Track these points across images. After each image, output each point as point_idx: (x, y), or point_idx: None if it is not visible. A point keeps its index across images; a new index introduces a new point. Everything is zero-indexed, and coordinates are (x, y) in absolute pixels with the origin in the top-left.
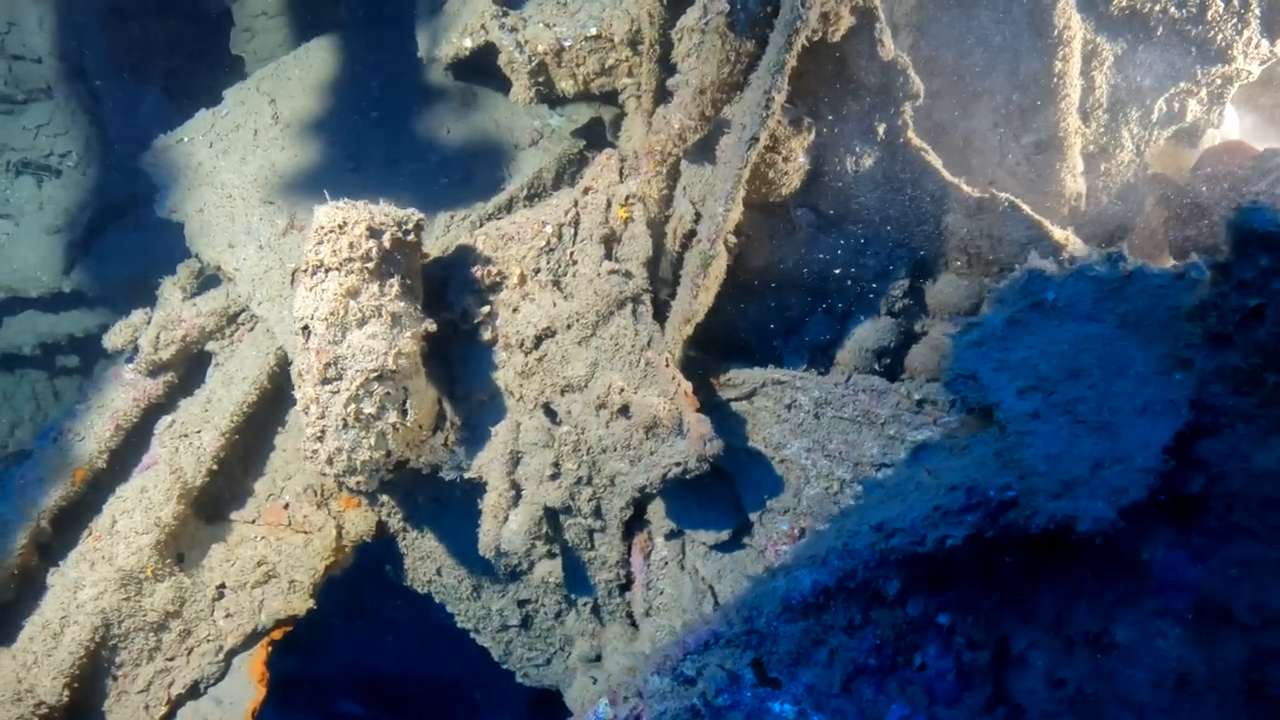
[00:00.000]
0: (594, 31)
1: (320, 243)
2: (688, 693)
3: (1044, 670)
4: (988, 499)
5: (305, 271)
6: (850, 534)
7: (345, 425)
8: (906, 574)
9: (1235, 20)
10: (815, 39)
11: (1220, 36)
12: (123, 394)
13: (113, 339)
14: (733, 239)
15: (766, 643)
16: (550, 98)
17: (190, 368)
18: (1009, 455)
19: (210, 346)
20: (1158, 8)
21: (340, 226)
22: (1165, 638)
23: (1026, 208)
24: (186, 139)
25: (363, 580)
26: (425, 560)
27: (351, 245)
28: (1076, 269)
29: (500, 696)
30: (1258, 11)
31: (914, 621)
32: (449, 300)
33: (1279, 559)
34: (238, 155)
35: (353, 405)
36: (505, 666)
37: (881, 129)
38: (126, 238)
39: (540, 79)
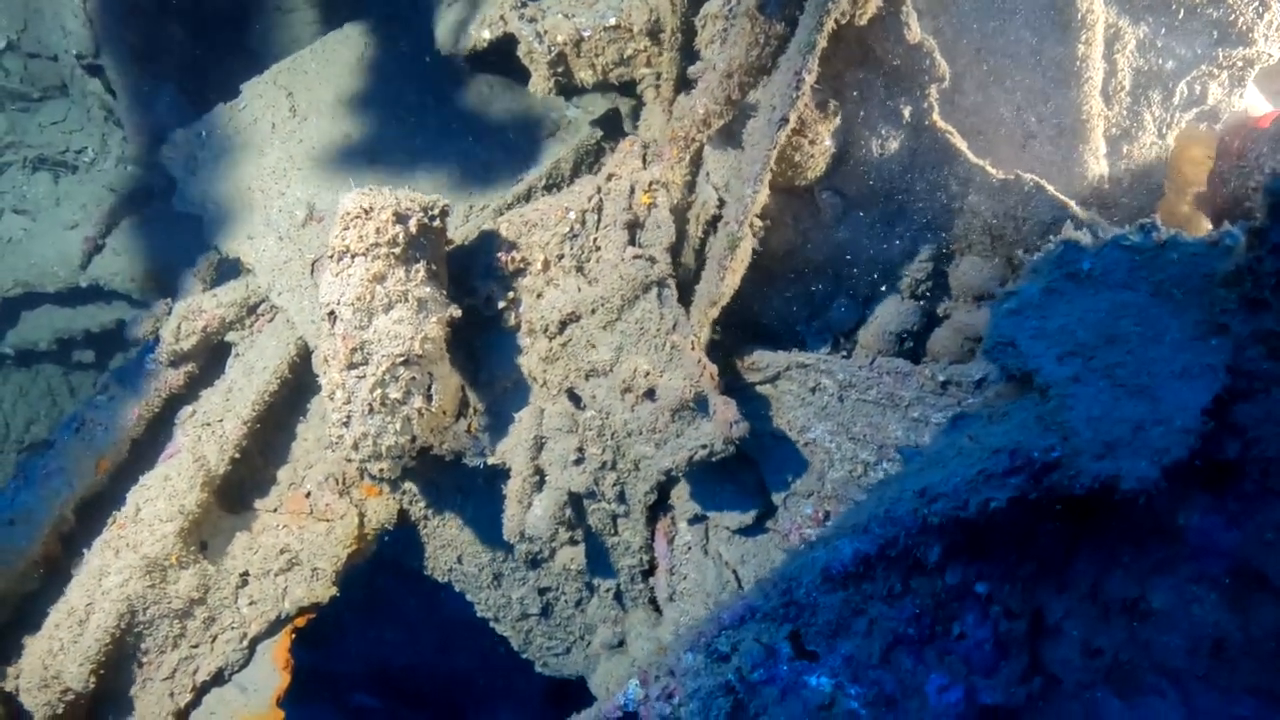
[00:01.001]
0: (613, 21)
1: (346, 228)
2: (722, 669)
3: (1080, 640)
4: (1031, 460)
5: (331, 257)
6: (892, 500)
7: (371, 410)
8: (947, 541)
9: (1257, 3)
10: (843, 21)
11: (1242, 19)
12: (144, 384)
13: (136, 330)
14: (758, 222)
15: (805, 614)
16: (569, 88)
17: (210, 358)
18: (1051, 418)
19: (230, 337)
20: None
21: (366, 212)
22: (1201, 603)
23: (1051, 189)
24: (204, 133)
25: (378, 573)
26: (446, 548)
27: (378, 230)
28: (1110, 239)
29: (515, 689)
30: None
31: (952, 590)
32: (473, 286)
33: None
34: (255, 148)
35: (379, 390)
36: (525, 656)
37: (907, 111)
38: (144, 232)
39: (559, 69)
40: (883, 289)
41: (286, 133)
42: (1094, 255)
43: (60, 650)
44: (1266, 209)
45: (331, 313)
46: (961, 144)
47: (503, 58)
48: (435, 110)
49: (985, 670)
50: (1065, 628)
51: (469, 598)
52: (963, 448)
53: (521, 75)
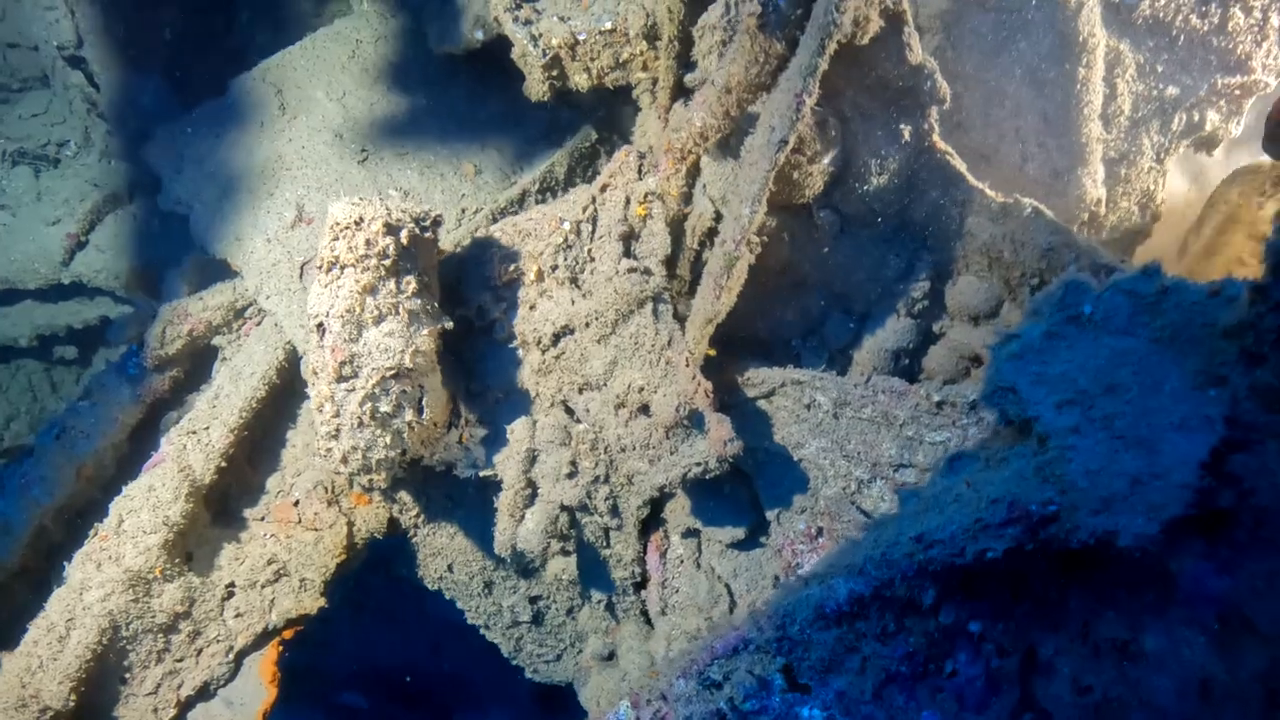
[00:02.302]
0: (609, 26)
1: (336, 239)
2: (714, 697)
3: (1070, 677)
4: (1029, 513)
5: (320, 268)
6: (889, 544)
7: (360, 424)
8: (942, 584)
9: (1255, 32)
10: (844, 42)
11: (1240, 48)
12: (127, 389)
13: (120, 334)
14: (755, 239)
15: (798, 649)
16: (563, 91)
17: (197, 363)
18: (1050, 470)
19: (217, 341)
20: (1180, 18)
21: (357, 223)
22: (1190, 646)
23: (1050, 213)
24: (190, 129)
25: (367, 573)
26: (437, 557)
27: (368, 242)
28: (1112, 283)
29: (504, 691)
30: (1277, 24)
31: (946, 629)
32: (465, 297)
33: None
34: (243, 147)
35: (368, 404)
36: (515, 662)
37: (907, 132)
38: (128, 229)
39: (554, 73)
40: (879, 307)
41: (275, 131)
42: (1095, 299)
43: (39, 667)
44: (1269, 266)
45: (320, 325)
46: (961, 165)
47: (497, 57)
48: (428, 110)
49: (976, 706)
50: (1057, 665)
51: (459, 605)
52: (960, 494)
53: (517, 75)
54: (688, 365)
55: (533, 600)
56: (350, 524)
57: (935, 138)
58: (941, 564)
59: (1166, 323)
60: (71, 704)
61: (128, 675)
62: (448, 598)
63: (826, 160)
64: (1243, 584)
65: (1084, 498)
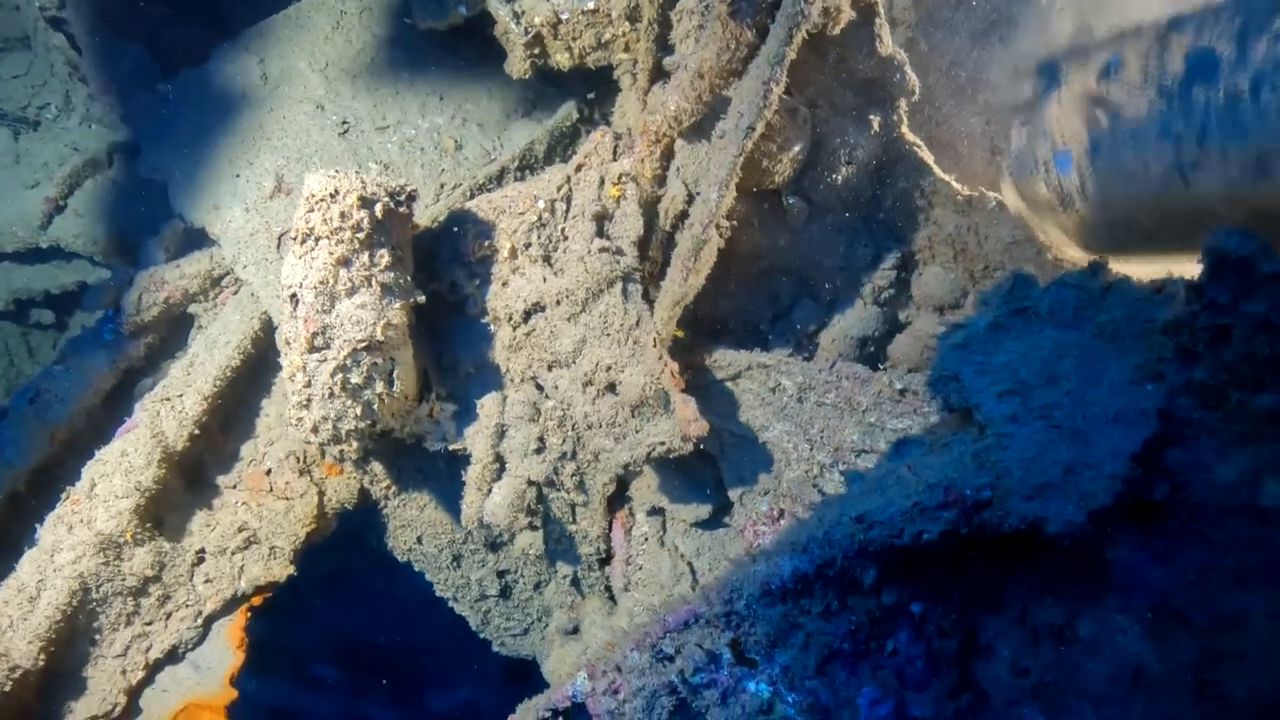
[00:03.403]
0: (591, 6)
1: (311, 210)
2: (666, 669)
3: (1009, 659)
4: (964, 498)
5: (295, 239)
6: (831, 524)
7: (331, 394)
8: (883, 564)
9: None
10: (815, 32)
11: None
12: (102, 355)
13: (96, 299)
14: (725, 223)
15: (745, 624)
16: (545, 70)
17: (172, 330)
18: (986, 457)
19: (193, 309)
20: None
21: (332, 195)
22: (1124, 634)
23: (1012, 208)
24: (172, 97)
25: (339, 546)
26: (406, 528)
27: (343, 215)
28: (1060, 278)
29: (476, 666)
30: None
31: (888, 609)
32: (438, 271)
33: (1232, 566)
34: (224, 115)
35: (340, 375)
36: (483, 635)
37: (876, 122)
38: (107, 195)
39: (535, 51)
40: (846, 294)
41: (256, 100)
42: (1042, 292)
43: (9, 627)
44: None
45: (294, 295)
46: (929, 157)
47: (481, 33)
48: (409, 84)
49: (916, 685)
50: (996, 647)
51: (428, 577)
52: (901, 476)
53: (500, 52)
54: (655, 345)
55: (500, 574)
56: (321, 494)
57: (904, 129)
58: (880, 544)
59: (1109, 318)
60: (41, 663)
61: (97, 637)
62: (417, 570)
63: (796, 148)
64: (1175, 575)
65: (1017, 484)
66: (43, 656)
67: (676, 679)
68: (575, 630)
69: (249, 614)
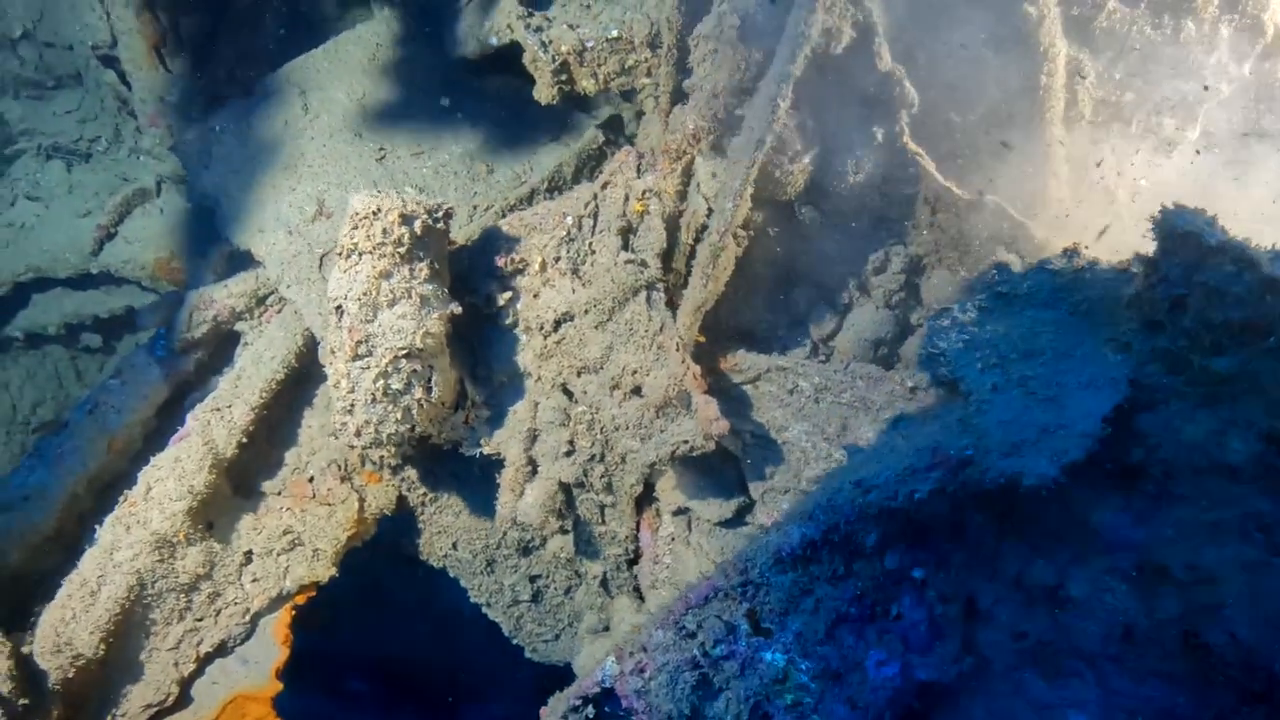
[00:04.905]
0: (615, 34)
1: (355, 228)
2: (688, 645)
3: (1007, 624)
4: (949, 457)
5: (340, 255)
6: (834, 490)
7: (374, 400)
8: (883, 528)
9: (1206, 43)
10: (818, 51)
11: (1192, 57)
12: (155, 370)
13: (148, 318)
14: (741, 233)
15: (760, 593)
16: (572, 95)
17: (221, 346)
18: (969, 421)
19: (240, 326)
20: (1135, 29)
21: (375, 213)
22: (1113, 593)
23: (1011, 209)
24: (218, 128)
25: (375, 562)
26: (442, 534)
27: (385, 230)
28: (1038, 263)
29: (507, 682)
30: (1225, 35)
31: (891, 574)
32: (473, 285)
33: (1208, 521)
34: (268, 144)
35: (381, 381)
36: (515, 641)
37: (880, 134)
38: (154, 222)
39: (563, 78)
40: (859, 299)
41: (298, 129)
42: (1022, 277)
43: (72, 618)
44: (1158, 242)
45: (339, 306)
46: (930, 165)
47: (509, 62)
48: (443, 112)
49: (920, 649)
50: (995, 613)
51: (463, 583)
52: (896, 446)
53: (526, 80)
54: (678, 350)
55: (532, 579)
56: (361, 500)
57: (906, 139)
58: (879, 507)
59: (1083, 297)
60: (101, 652)
61: (152, 630)
62: (451, 575)
63: (806, 159)
64: (1156, 533)
65: (996, 444)
66: (102, 646)
67: (698, 653)
68: (605, 629)
69: (293, 612)
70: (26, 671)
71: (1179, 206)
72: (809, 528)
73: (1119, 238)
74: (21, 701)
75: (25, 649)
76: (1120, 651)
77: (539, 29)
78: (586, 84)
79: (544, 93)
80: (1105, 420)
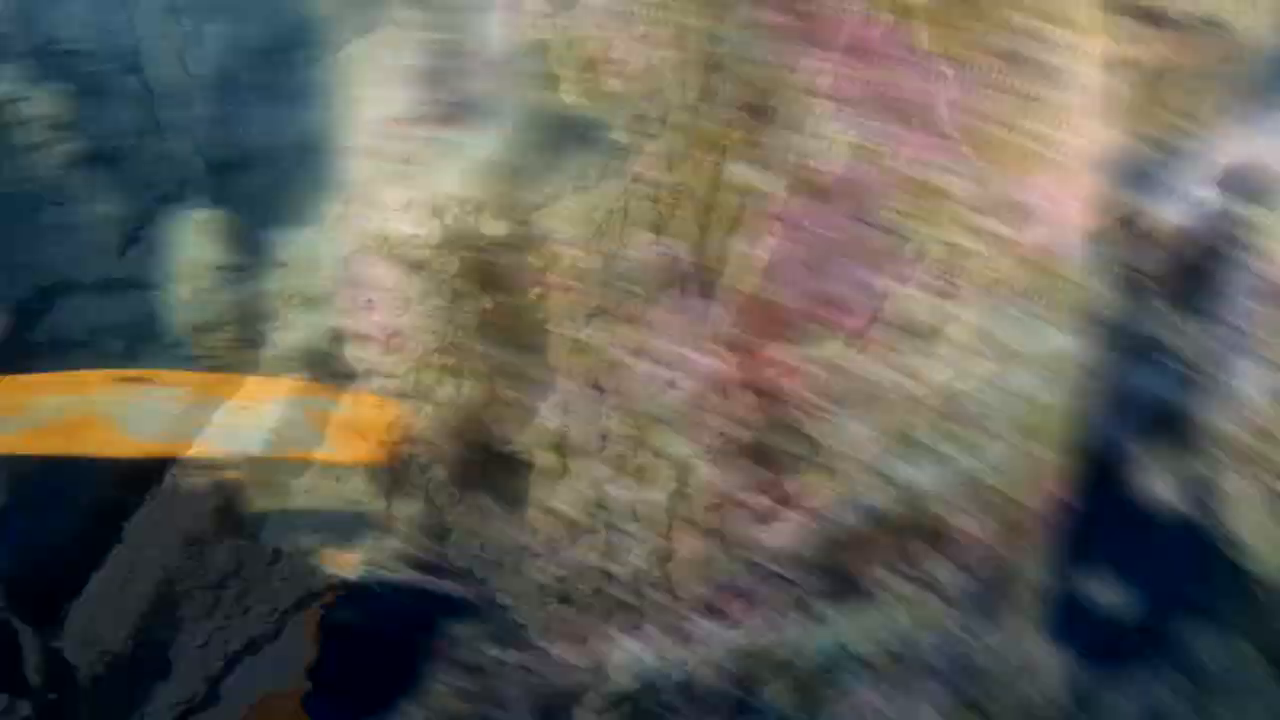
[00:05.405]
0: (641, 33)
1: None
2: None
3: None
4: None
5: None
6: None
7: (405, 395)
8: None
9: None
10: None
11: None
12: None
13: None
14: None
15: None
16: (597, 95)
17: None
18: None
19: None
20: None
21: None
22: None
23: None
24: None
25: None
26: (470, 535)
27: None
28: None
29: None
30: None
31: None
32: (506, 281)
33: None
34: None
35: (413, 376)
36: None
37: None
38: (179, 226)
39: (587, 77)
40: None
41: None
42: None
43: (102, 615)
44: None
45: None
46: None
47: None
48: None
49: None
50: None
51: (490, 584)
52: None
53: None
54: (714, 341)
55: (560, 580)
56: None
57: None
58: None
59: None
60: (129, 650)
61: (182, 628)
62: (478, 577)
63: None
64: None
65: None
66: (130, 643)
67: None
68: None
69: (321, 610)
70: (59, 666)
71: None
72: None
73: None
74: (50, 696)
75: (56, 644)
76: None
77: (564, 28)
78: (612, 84)
79: (568, 93)
80: None
